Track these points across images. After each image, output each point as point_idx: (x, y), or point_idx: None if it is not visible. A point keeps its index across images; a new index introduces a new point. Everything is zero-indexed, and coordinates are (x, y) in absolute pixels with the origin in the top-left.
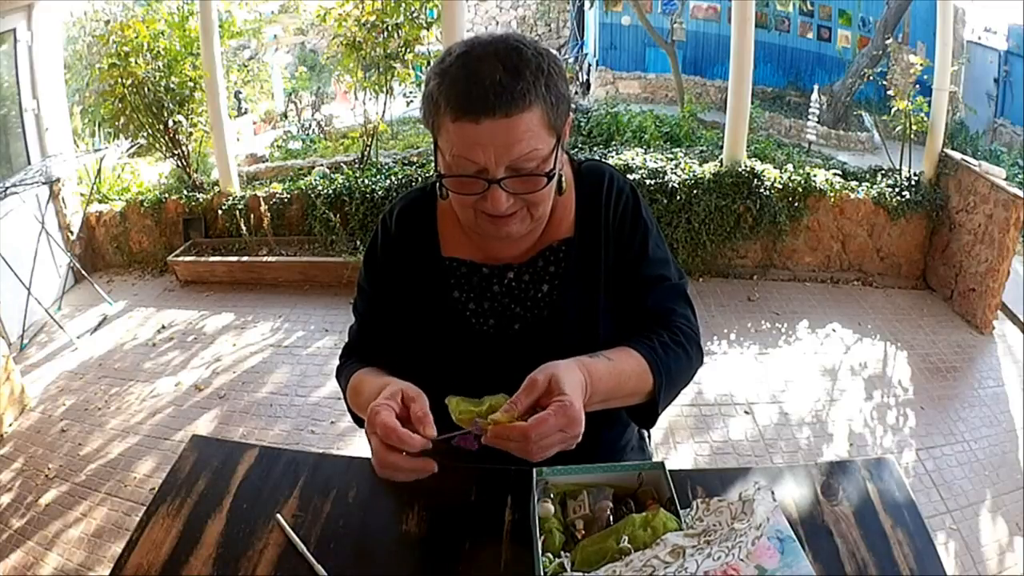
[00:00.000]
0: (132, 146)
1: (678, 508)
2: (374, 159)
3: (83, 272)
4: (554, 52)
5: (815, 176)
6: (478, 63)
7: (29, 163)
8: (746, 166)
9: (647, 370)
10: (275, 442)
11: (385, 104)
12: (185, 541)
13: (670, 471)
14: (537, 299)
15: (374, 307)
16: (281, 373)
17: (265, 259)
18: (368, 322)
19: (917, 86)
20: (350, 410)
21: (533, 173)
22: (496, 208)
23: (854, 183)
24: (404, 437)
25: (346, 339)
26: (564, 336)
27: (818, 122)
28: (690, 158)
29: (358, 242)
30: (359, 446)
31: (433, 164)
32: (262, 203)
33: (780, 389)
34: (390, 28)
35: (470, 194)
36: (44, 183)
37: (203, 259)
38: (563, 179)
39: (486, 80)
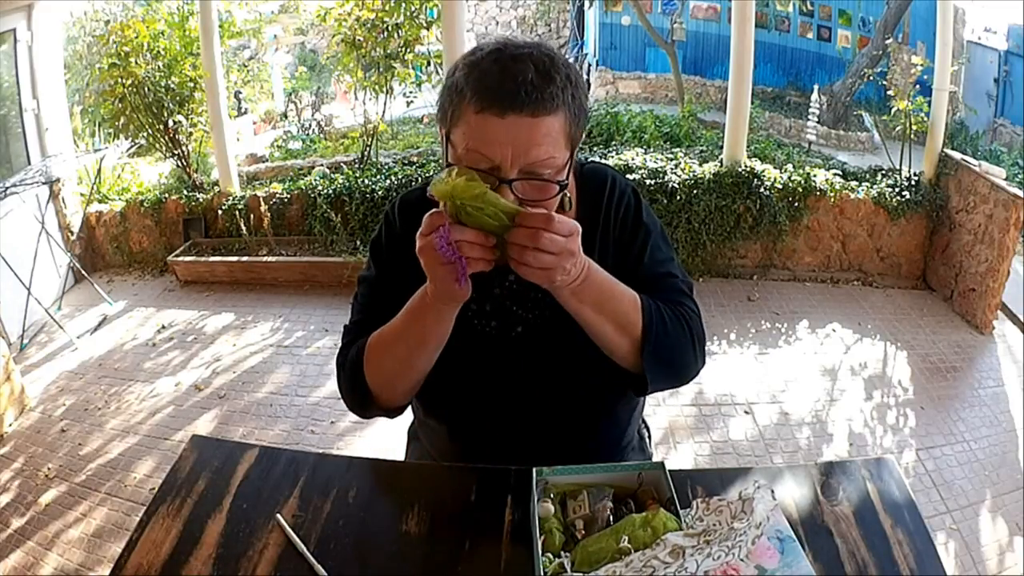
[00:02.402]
0: (132, 146)
1: (678, 508)
2: (374, 159)
3: (83, 272)
4: (578, 69)
5: (815, 176)
6: (512, 61)
7: (29, 163)
8: (746, 166)
9: (639, 307)
10: (275, 442)
11: (385, 104)
12: (185, 541)
13: (670, 471)
14: (538, 300)
15: (377, 300)
16: (281, 373)
17: (265, 259)
18: (370, 316)
19: (917, 86)
20: (362, 396)
21: (546, 180)
22: None
23: (854, 183)
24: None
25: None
26: (566, 338)
27: (818, 122)
28: (690, 158)
29: (358, 242)
30: (359, 446)
31: (443, 157)
32: (262, 203)
33: (780, 389)
34: (390, 28)
35: None
36: (44, 183)
37: (203, 259)
38: (568, 197)
39: (519, 77)
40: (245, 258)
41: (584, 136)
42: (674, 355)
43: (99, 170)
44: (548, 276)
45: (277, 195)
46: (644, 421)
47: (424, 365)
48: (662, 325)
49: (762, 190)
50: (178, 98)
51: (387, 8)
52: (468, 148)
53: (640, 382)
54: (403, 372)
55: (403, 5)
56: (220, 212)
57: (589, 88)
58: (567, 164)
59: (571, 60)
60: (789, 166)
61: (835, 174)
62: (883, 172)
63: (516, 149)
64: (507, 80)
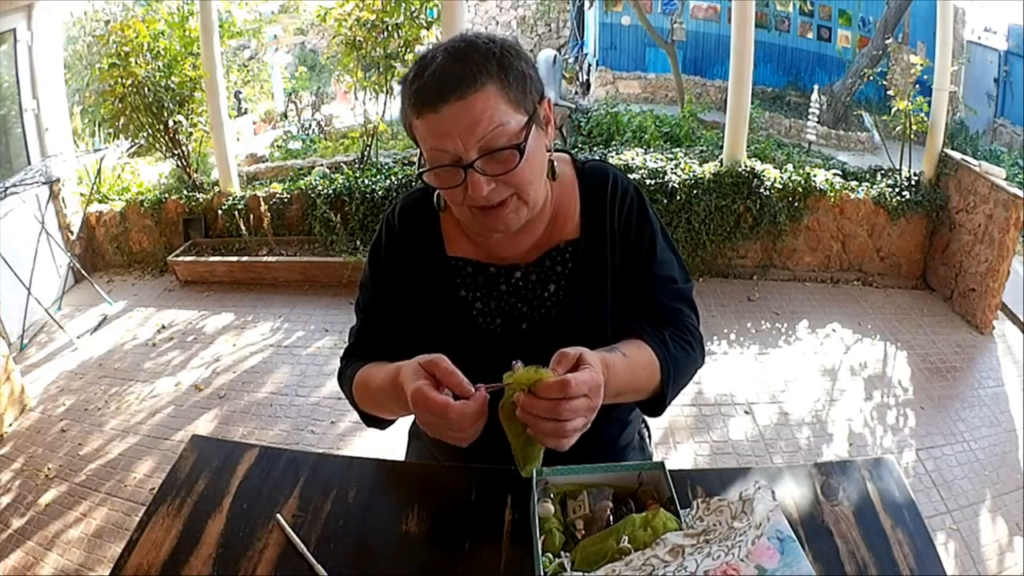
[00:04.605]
0: (132, 146)
1: (678, 508)
2: (374, 159)
3: (83, 272)
4: (512, 41)
5: (815, 176)
6: (430, 61)
7: (29, 163)
8: (746, 166)
9: (657, 366)
10: (275, 442)
11: (385, 104)
12: (185, 541)
13: (670, 471)
14: (544, 299)
15: (379, 305)
16: (281, 373)
17: (265, 259)
18: (372, 321)
19: (917, 86)
20: (359, 410)
21: (503, 148)
22: (477, 193)
23: (854, 183)
24: (462, 410)
25: (346, 341)
26: (571, 336)
27: (818, 122)
28: (690, 158)
29: (358, 242)
30: (359, 446)
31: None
32: (262, 203)
33: (780, 389)
34: (390, 28)
35: (452, 187)
36: (44, 183)
37: (203, 259)
38: (554, 165)
39: (436, 72)
40: (245, 258)
41: (584, 135)
42: (686, 380)
43: (99, 170)
44: (585, 421)
45: (277, 195)
46: (644, 421)
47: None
48: (677, 367)
49: (762, 190)
50: (178, 98)
51: (387, 8)
52: (429, 150)
53: (654, 407)
54: (388, 416)
55: (403, 5)
56: (220, 212)
57: (589, 88)
58: (524, 128)
59: (571, 60)
60: (789, 166)
61: (835, 174)
62: (883, 172)
63: (462, 134)
64: (428, 79)
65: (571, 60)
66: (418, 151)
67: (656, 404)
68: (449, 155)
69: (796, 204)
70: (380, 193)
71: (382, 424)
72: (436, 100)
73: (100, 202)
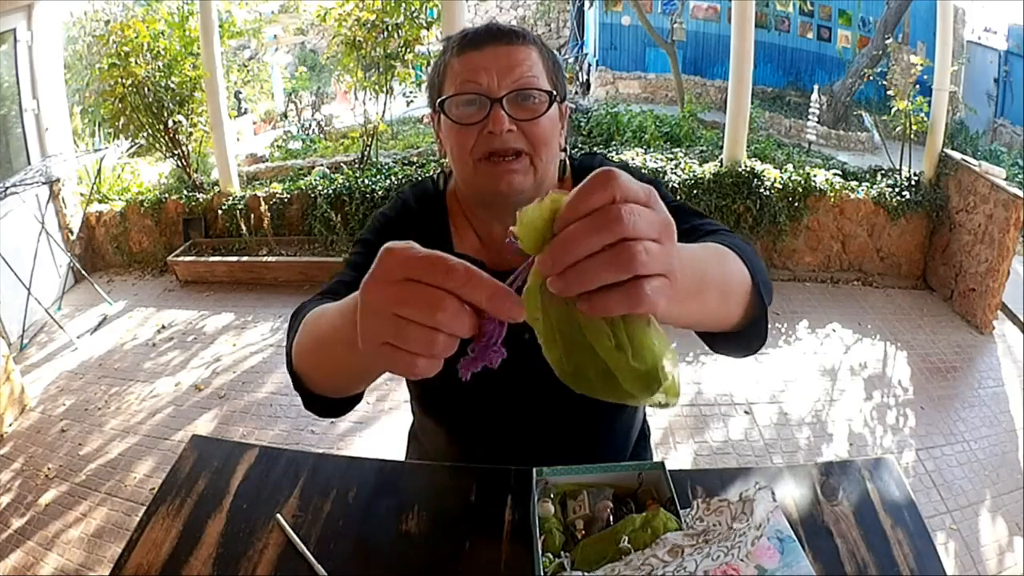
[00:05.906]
0: (132, 146)
1: (678, 508)
2: (374, 159)
3: (83, 272)
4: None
5: (815, 176)
6: (480, 27)
7: (29, 163)
8: (746, 166)
9: (728, 252)
10: (275, 442)
11: (385, 104)
12: (185, 541)
13: (670, 471)
14: None
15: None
16: (281, 373)
17: (265, 259)
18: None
19: (917, 86)
20: (300, 383)
21: (535, 89)
22: (497, 128)
23: (854, 183)
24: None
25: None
26: None
27: (818, 122)
28: (690, 158)
29: None
30: (359, 446)
31: (438, 146)
32: (262, 203)
33: (780, 389)
34: (390, 28)
35: (470, 124)
36: (44, 183)
37: (203, 259)
38: (564, 163)
39: (490, 26)
40: (245, 258)
41: (584, 135)
42: (766, 278)
43: (99, 170)
44: (659, 291)
45: (277, 195)
46: (644, 421)
47: (346, 385)
48: (750, 255)
49: (762, 190)
50: (178, 98)
51: (387, 8)
52: (459, 84)
53: (756, 323)
54: (333, 373)
55: (403, 5)
56: (220, 212)
57: (589, 88)
58: (552, 99)
59: (571, 60)
60: (789, 166)
61: (835, 174)
62: (883, 172)
63: (500, 70)
64: (479, 28)
65: (571, 60)
66: (436, 126)
67: (757, 314)
68: (478, 86)
69: (796, 204)
70: (380, 193)
71: (327, 407)
72: (483, 41)
73: (100, 202)
